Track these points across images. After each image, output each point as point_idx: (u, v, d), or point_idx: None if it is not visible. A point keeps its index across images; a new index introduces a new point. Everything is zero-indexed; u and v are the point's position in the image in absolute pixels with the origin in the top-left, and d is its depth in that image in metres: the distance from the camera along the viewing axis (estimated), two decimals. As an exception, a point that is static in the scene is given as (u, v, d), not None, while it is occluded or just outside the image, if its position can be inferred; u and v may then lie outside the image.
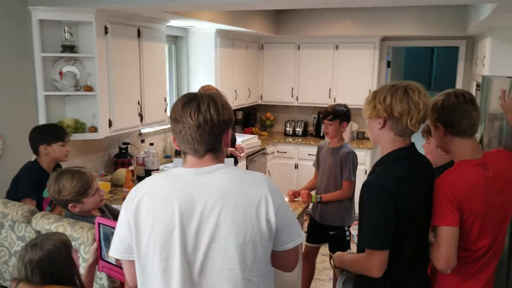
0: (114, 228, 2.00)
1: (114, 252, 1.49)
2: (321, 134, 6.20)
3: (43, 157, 2.93)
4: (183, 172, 1.45)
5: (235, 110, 6.10)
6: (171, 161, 4.63)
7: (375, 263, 1.72)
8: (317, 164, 3.57)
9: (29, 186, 2.83)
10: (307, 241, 3.50)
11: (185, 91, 5.28)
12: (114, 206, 3.24)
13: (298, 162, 6.03)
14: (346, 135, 5.22)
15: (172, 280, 1.39)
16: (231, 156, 4.03)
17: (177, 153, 5.00)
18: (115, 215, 2.55)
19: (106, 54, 3.48)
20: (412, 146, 1.81)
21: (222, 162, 1.49)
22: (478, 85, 4.98)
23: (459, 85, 6.07)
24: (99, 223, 2.05)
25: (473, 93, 4.97)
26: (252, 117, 6.66)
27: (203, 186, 1.39)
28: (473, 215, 1.81)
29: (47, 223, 2.33)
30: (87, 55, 3.40)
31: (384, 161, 1.81)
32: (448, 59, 7.51)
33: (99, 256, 2.06)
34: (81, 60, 3.45)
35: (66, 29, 3.35)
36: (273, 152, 6.09)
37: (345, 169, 3.33)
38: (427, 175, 1.82)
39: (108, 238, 2.04)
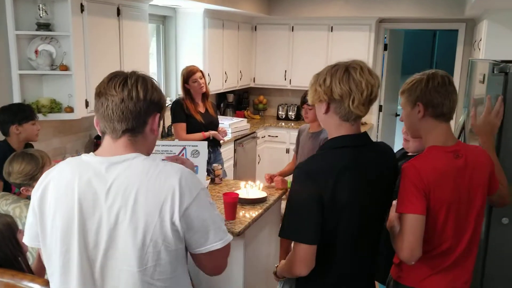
0: None
1: (26, 239, 1.41)
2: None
3: (14, 137, 2.87)
4: (91, 160, 1.31)
5: (225, 93, 6.01)
6: (156, 143, 4.57)
7: (297, 256, 1.57)
8: (297, 148, 3.49)
9: None
10: None
11: (172, 72, 5.20)
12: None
13: (289, 146, 5.94)
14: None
15: (70, 275, 1.30)
16: (213, 139, 3.95)
17: (163, 136, 4.93)
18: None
19: (83, 33, 3.40)
20: (360, 134, 1.63)
21: (143, 151, 1.33)
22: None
23: (457, 69, 5.93)
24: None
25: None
26: (245, 100, 6.57)
27: (107, 179, 1.26)
28: (440, 204, 1.71)
29: (5, 204, 2.28)
30: (63, 33, 3.32)
31: (322, 147, 1.68)
32: (450, 43, 7.33)
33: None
34: (57, 39, 3.38)
35: (41, 6, 3.27)
36: (264, 136, 6.00)
37: None
38: (378, 167, 1.63)
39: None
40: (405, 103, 1.83)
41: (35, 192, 1.34)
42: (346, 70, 1.54)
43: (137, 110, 1.30)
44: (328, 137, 3.15)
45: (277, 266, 1.84)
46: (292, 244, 1.61)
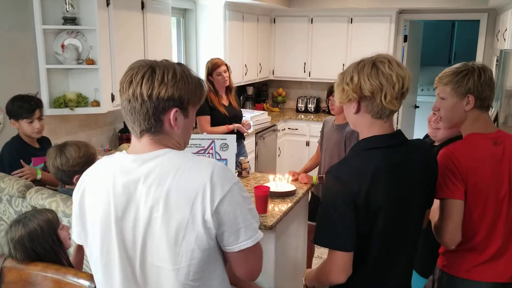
0: None
1: (74, 236, 1.39)
2: (334, 111, 6.05)
3: (19, 131, 2.79)
4: (123, 158, 1.27)
5: (245, 86, 5.99)
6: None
7: (334, 264, 1.50)
8: (321, 140, 3.47)
9: (10, 166, 2.69)
10: (309, 219, 3.44)
11: (193, 65, 5.18)
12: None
13: (309, 139, 5.91)
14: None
15: (113, 274, 1.28)
16: (237, 132, 3.94)
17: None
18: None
19: (108, 27, 3.40)
20: (394, 133, 1.55)
21: (172, 146, 1.28)
22: (498, 61, 4.77)
23: (479, 59, 5.84)
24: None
25: (493, 68, 4.76)
26: (264, 93, 6.54)
27: (140, 176, 1.22)
28: (477, 190, 1.72)
29: (41, 199, 2.30)
30: (89, 27, 3.33)
31: (354, 149, 1.59)
32: (470, 34, 7.22)
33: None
34: (83, 33, 3.38)
35: (67, 0, 3.27)
36: (284, 129, 5.98)
37: (349, 145, 3.25)
38: (415, 167, 1.55)
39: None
40: (450, 94, 1.79)
41: (76, 193, 1.33)
42: (373, 65, 1.47)
43: (144, 111, 1.21)
44: (353, 130, 3.19)
45: (306, 275, 1.79)
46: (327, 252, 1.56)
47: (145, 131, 1.24)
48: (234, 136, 2.93)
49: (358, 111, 1.52)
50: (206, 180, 1.19)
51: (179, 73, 1.22)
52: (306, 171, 3.43)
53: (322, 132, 3.48)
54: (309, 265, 3.68)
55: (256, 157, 5.18)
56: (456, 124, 1.86)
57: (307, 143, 5.93)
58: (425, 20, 6.86)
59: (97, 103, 3.44)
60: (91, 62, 3.36)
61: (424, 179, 1.60)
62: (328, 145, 3.36)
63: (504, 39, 4.42)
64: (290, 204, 2.79)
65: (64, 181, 2.28)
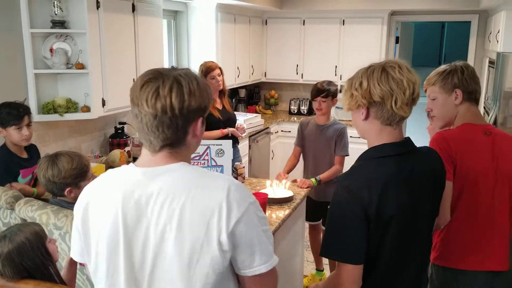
0: None
1: (74, 255, 1.31)
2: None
3: (6, 140, 2.69)
4: (132, 171, 1.20)
5: (237, 88, 5.92)
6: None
7: (344, 277, 1.45)
8: (301, 141, 3.50)
9: None
10: (307, 219, 3.49)
11: (185, 69, 5.10)
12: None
13: (302, 141, 5.86)
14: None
15: None
16: (232, 136, 3.87)
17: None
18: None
19: (99, 30, 3.30)
20: (403, 141, 1.52)
21: (185, 159, 1.22)
22: (491, 62, 4.77)
23: (470, 61, 5.83)
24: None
25: (486, 70, 4.75)
26: (256, 95, 6.48)
27: (151, 191, 1.14)
28: (466, 172, 1.82)
29: (30, 210, 2.21)
30: (79, 30, 3.23)
31: (362, 158, 1.54)
32: (459, 35, 7.25)
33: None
34: (72, 36, 3.29)
35: (55, 3, 3.17)
36: (277, 132, 5.92)
37: (339, 144, 3.37)
38: (424, 175, 1.52)
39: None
40: (439, 91, 1.92)
41: (77, 209, 1.25)
42: (383, 70, 1.45)
43: (174, 125, 1.15)
44: (344, 127, 3.33)
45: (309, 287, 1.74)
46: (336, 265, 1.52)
47: (167, 145, 1.18)
48: (230, 141, 2.86)
49: (367, 117, 1.49)
50: (222, 198, 1.12)
51: (200, 81, 1.19)
52: (288, 173, 3.48)
53: (301, 133, 3.53)
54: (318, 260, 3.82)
55: (250, 160, 5.11)
56: (449, 121, 1.96)
57: (300, 146, 5.87)
58: (416, 22, 6.85)
59: (87, 109, 3.34)
60: (81, 66, 3.27)
61: (433, 187, 1.57)
62: (313, 146, 3.46)
63: (497, 41, 4.40)
64: (288, 211, 2.73)
65: (55, 193, 2.20)
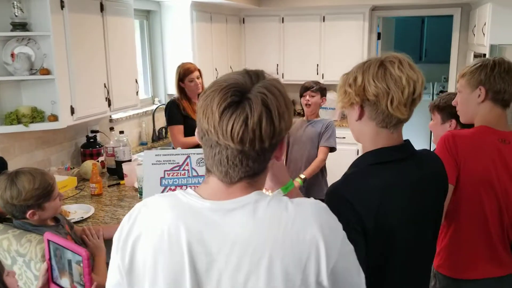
0: (65, 248, 1.65)
1: None
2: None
3: None
4: (196, 203, 0.97)
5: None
6: (148, 149, 4.24)
7: None
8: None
9: None
10: None
11: (160, 71, 4.85)
12: (78, 205, 2.87)
13: (285, 143, 5.67)
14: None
15: None
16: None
17: (154, 140, 4.59)
18: (70, 225, 2.18)
19: (64, 32, 3.04)
20: (402, 145, 1.37)
21: (262, 186, 1.02)
22: (476, 56, 4.65)
23: (454, 56, 5.73)
24: (48, 240, 1.69)
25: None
26: (236, 97, 6.25)
27: (226, 232, 0.93)
28: (471, 177, 1.68)
29: (-11, 236, 1.94)
30: (42, 33, 2.96)
31: (357, 164, 1.39)
32: (440, 30, 7.16)
33: (50, 278, 1.71)
34: (35, 40, 3.01)
35: (15, 4, 2.90)
36: (259, 134, 5.71)
37: (325, 135, 3.28)
38: (425, 182, 1.38)
39: (61, 257, 1.69)
40: (464, 85, 1.79)
41: (122, 248, 0.99)
42: (381, 65, 1.29)
43: (262, 158, 0.96)
44: (331, 121, 3.30)
45: None
46: None
47: (247, 177, 0.97)
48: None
49: (360, 117, 1.34)
50: (317, 235, 0.93)
51: (285, 96, 0.97)
52: None
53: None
54: None
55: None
56: (470, 118, 1.83)
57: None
58: (396, 17, 6.73)
59: (54, 118, 3.07)
60: (46, 72, 3.00)
61: (437, 193, 1.43)
62: (302, 142, 3.35)
63: (483, 34, 4.28)
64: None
65: (16, 216, 1.94)
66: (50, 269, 1.71)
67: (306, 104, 3.35)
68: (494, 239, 1.76)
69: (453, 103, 1.89)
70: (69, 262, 1.65)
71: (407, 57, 1.31)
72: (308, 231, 0.93)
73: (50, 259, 1.71)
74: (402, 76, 1.26)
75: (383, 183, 1.29)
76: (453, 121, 2.04)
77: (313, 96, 3.31)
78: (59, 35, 3.00)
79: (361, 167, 1.37)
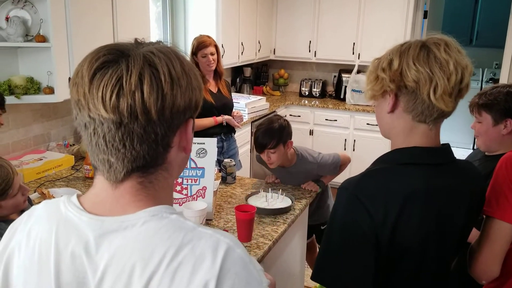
0: None
1: None
2: (341, 96, 5.38)
3: None
4: (75, 217, 0.76)
5: (241, 66, 5.30)
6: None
7: None
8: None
9: None
10: None
11: (181, 46, 4.50)
12: (66, 189, 2.60)
13: (313, 127, 5.27)
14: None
15: None
16: (227, 126, 3.31)
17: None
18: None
19: (63, -6, 2.73)
20: (440, 147, 1.18)
21: (166, 195, 0.80)
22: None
23: (510, 40, 5.11)
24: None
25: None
26: (264, 75, 5.87)
27: (98, 258, 0.72)
28: None
29: None
30: (39, -5, 2.67)
31: (382, 160, 1.20)
32: (496, 10, 6.49)
33: None
34: (32, 2, 2.72)
35: (11, -39, 2.62)
36: (285, 116, 5.31)
37: (324, 172, 2.71)
38: (458, 197, 1.18)
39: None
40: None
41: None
42: (423, 46, 1.11)
43: (152, 137, 0.73)
44: (320, 162, 2.61)
45: None
46: None
47: (138, 171, 0.75)
48: (215, 140, 2.29)
49: (394, 108, 1.16)
50: (213, 273, 0.70)
51: (185, 62, 0.76)
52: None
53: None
54: None
55: (252, 149, 4.55)
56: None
57: (311, 132, 5.28)
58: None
59: (50, 90, 2.79)
60: (42, 39, 2.71)
61: (467, 215, 1.22)
62: (292, 180, 2.72)
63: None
64: (283, 227, 2.17)
65: None
66: None
67: (268, 163, 2.60)
68: None
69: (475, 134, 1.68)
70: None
71: (455, 41, 1.13)
72: (200, 275, 0.69)
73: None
74: (450, 60, 1.08)
75: (409, 188, 1.11)
76: (509, 121, 1.72)
77: (273, 153, 2.52)
78: (58, -2, 2.69)
79: (386, 164, 1.18)
